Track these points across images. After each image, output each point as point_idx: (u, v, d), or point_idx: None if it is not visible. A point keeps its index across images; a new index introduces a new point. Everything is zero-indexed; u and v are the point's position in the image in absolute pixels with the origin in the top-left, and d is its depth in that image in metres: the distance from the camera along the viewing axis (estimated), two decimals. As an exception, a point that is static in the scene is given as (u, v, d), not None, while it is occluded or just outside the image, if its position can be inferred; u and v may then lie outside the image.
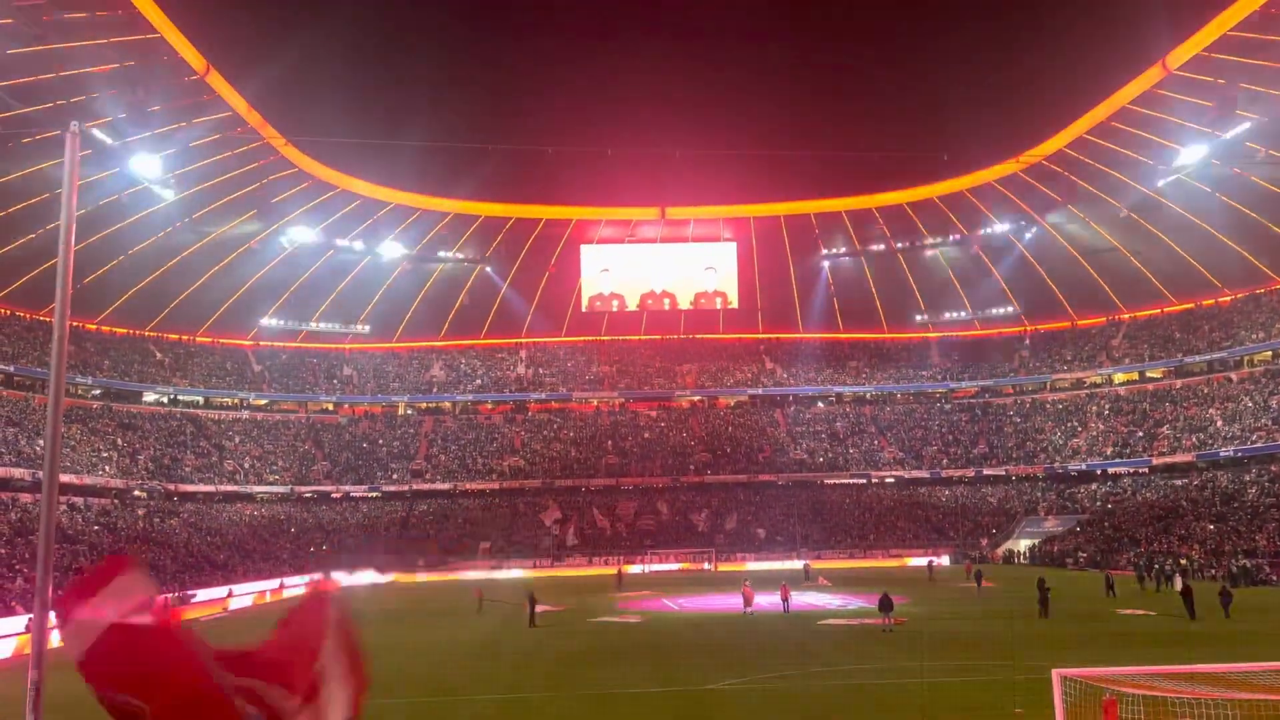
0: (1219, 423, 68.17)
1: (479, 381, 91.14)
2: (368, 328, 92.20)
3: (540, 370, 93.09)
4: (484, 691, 22.00)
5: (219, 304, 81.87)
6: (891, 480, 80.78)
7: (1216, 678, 13.57)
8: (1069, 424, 79.89)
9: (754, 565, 66.87)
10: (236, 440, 79.04)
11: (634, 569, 66.42)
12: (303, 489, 76.93)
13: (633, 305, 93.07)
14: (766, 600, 38.06)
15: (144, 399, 77.25)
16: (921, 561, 64.82)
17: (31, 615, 26.76)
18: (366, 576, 66.51)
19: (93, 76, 53.66)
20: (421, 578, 67.53)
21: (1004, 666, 20.82)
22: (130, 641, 2.72)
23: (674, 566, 68.50)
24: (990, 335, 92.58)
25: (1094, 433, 76.91)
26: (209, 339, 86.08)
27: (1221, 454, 65.16)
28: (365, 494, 78.52)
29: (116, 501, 61.80)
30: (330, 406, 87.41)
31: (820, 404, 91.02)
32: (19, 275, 65.22)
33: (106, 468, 64.51)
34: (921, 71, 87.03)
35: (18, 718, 5.16)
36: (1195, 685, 13.15)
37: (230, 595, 49.66)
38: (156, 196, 64.36)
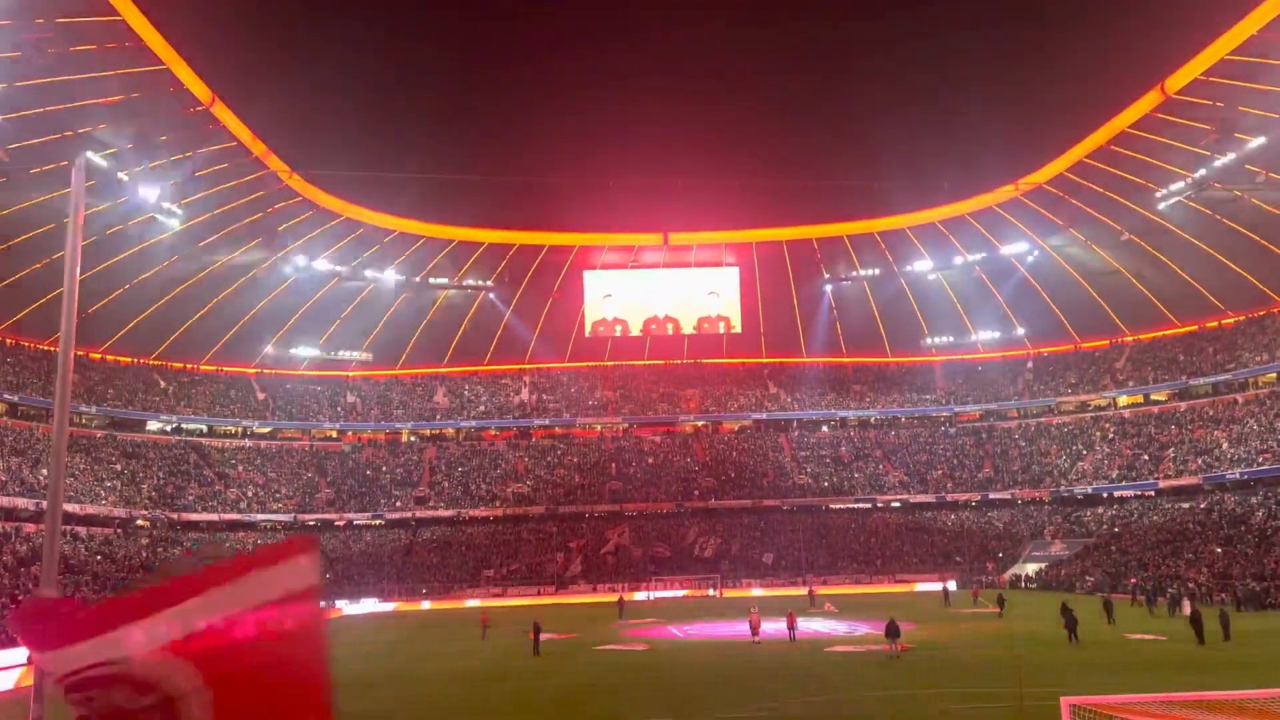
0: (1225, 445, 67.92)
1: (482, 408, 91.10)
2: (371, 355, 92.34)
3: (544, 396, 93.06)
4: (488, 721, 21.82)
5: (223, 332, 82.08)
6: (897, 504, 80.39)
7: (1228, 705, 13.43)
8: (1074, 447, 79.62)
9: (759, 591, 66.50)
10: (240, 468, 78.96)
11: (639, 595, 66.08)
12: (306, 517, 76.67)
13: (636, 330, 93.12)
14: (773, 627, 37.81)
15: (148, 428, 77.28)
16: (929, 587, 64.44)
17: (33, 646, 26.63)
18: (368, 603, 66.23)
19: (99, 107, 54.16)
20: (425, 605, 67.18)
21: (1012, 693, 20.64)
22: None
23: (679, 593, 68.12)
24: (994, 358, 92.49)
25: (1099, 456, 76.63)
26: (213, 367, 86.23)
27: (1228, 476, 64.85)
28: (369, 521, 78.30)
29: (119, 531, 61.70)
30: (334, 434, 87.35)
31: (824, 428, 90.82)
32: (24, 305, 65.48)
33: (110, 497, 64.44)
34: (922, 99, 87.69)
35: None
36: (1206, 712, 13.01)
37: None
38: (161, 226, 64.73)
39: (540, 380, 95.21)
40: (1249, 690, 14.10)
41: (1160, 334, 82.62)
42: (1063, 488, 75.75)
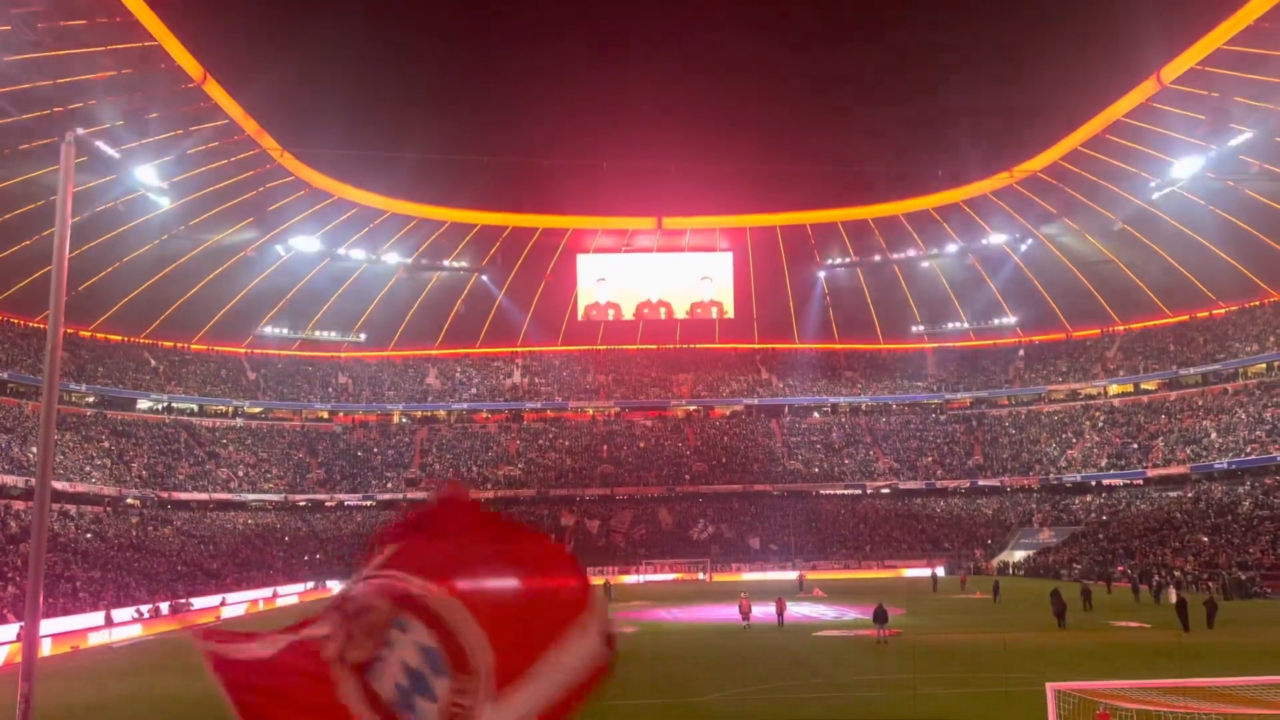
0: (1213, 435, 68.29)
1: (474, 390, 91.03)
2: (364, 336, 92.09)
3: (536, 379, 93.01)
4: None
5: (214, 312, 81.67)
6: (887, 491, 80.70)
7: (1211, 692, 13.56)
8: (1064, 435, 79.97)
9: (749, 576, 66.76)
10: (230, 448, 78.79)
11: (629, 579, 66.25)
12: (297, 497, 76.69)
13: (629, 315, 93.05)
14: (762, 611, 37.99)
15: (138, 406, 76.97)
16: (917, 572, 64.72)
17: (22, 624, 26.52)
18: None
19: (89, 84, 53.61)
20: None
21: (998, 679, 20.81)
22: None
23: (669, 577, 68.37)
24: (985, 346, 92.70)
25: (1089, 444, 76.99)
26: (204, 346, 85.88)
27: (1216, 466, 65.26)
28: (359, 503, 78.31)
29: (109, 509, 61.56)
30: (325, 415, 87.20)
31: (816, 414, 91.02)
32: (14, 282, 65.02)
33: (99, 475, 64.26)
34: (917, 85, 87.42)
35: (7, 730, 5.14)
36: (1189, 699, 13.13)
37: (223, 604, 49.50)
38: (152, 204, 64.26)
39: (532, 363, 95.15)
40: (1233, 678, 14.23)
41: (1151, 324, 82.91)
42: (1052, 475, 76.12)
